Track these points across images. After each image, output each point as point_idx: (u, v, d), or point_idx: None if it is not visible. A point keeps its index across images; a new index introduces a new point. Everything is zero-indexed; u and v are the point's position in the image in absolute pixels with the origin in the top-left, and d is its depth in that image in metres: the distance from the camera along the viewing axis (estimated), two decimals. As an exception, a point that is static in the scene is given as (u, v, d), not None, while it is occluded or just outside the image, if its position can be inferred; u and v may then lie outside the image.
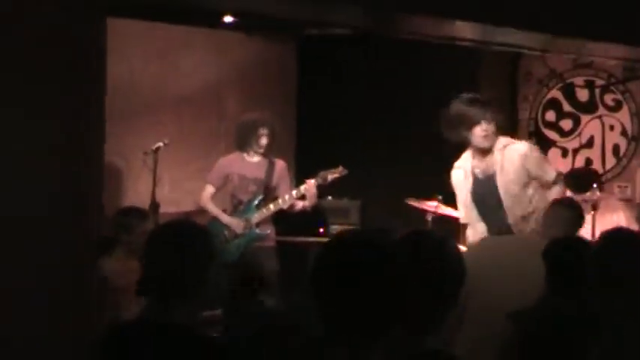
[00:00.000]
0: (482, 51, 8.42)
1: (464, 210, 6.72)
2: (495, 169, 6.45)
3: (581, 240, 4.84)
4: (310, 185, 7.76)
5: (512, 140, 6.64)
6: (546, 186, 6.46)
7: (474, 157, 6.56)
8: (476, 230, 6.55)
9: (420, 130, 9.09)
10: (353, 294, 2.42)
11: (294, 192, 7.78)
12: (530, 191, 6.42)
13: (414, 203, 8.05)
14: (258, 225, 7.78)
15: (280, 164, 7.94)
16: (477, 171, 6.56)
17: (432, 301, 2.72)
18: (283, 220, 8.01)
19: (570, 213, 5.98)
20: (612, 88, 8.86)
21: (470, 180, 6.60)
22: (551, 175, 6.49)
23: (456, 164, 6.73)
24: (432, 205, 7.92)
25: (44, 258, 2.95)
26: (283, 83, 9.50)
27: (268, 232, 7.83)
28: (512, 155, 6.42)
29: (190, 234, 3.29)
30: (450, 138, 6.57)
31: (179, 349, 3.05)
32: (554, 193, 6.43)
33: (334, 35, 9.05)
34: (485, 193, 6.50)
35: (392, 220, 8.23)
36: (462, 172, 6.66)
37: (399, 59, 9.14)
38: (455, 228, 7.38)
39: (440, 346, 2.75)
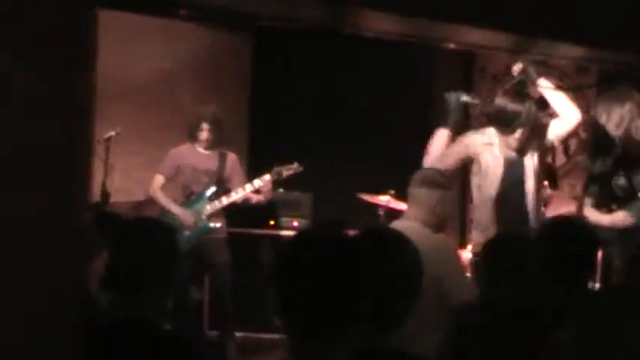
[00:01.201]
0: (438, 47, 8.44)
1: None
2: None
3: (521, 234, 4.87)
4: (266, 181, 7.76)
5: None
6: None
7: (503, 146, 6.23)
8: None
9: (373, 125, 9.12)
10: (316, 290, 2.41)
11: (248, 186, 7.77)
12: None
13: (366, 197, 8.06)
14: (209, 217, 7.76)
15: (232, 157, 7.94)
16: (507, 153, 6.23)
17: (395, 295, 2.73)
18: (234, 212, 7.99)
19: (431, 191, 5.92)
20: (563, 85, 8.91)
21: (500, 161, 6.23)
22: None
23: (482, 140, 6.29)
24: (384, 200, 7.94)
25: (34, 258, 2.92)
26: (237, 75, 9.46)
27: (219, 224, 7.81)
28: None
29: (155, 230, 3.29)
30: (455, 127, 6.33)
31: (143, 344, 3.04)
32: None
33: (289, 28, 9.02)
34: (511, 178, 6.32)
35: (344, 214, 8.24)
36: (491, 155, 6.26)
37: (354, 54, 9.13)
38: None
39: (404, 340, 2.76)
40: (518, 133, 6.11)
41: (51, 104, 2.94)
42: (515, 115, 6.09)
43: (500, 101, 6.22)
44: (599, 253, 4.53)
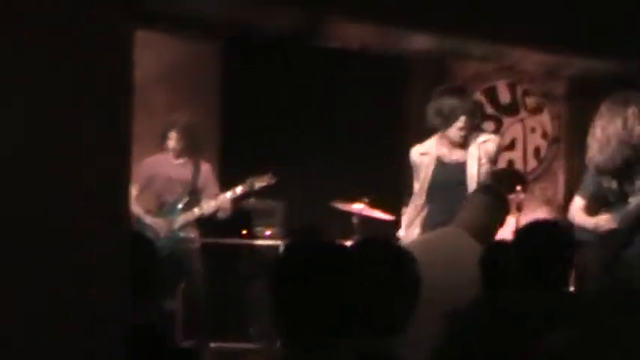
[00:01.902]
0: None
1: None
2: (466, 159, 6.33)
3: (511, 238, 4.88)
4: (225, 200, 7.72)
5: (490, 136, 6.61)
6: None
7: (441, 145, 6.38)
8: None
9: (347, 132, 9.12)
10: (316, 297, 2.42)
11: (220, 197, 7.75)
12: None
13: (340, 205, 8.06)
14: (183, 227, 7.74)
15: (206, 167, 7.92)
16: (445, 159, 6.37)
17: (394, 303, 2.73)
18: (207, 221, 7.97)
19: (491, 198, 5.99)
20: (532, 91, 8.97)
21: (431, 167, 6.41)
22: None
23: (420, 150, 6.49)
24: (359, 208, 7.94)
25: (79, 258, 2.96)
26: (208, 84, 9.43)
27: (193, 234, 7.80)
28: (488, 148, 6.36)
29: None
30: (434, 127, 6.39)
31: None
32: None
33: (261, 37, 9.00)
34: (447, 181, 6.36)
35: (318, 222, 8.23)
36: (427, 158, 6.44)
37: (325, 61, 9.13)
38: (382, 230, 7.40)
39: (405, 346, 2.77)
40: (460, 122, 6.20)
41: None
42: (452, 107, 6.22)
43: (436, 100, 6.32)
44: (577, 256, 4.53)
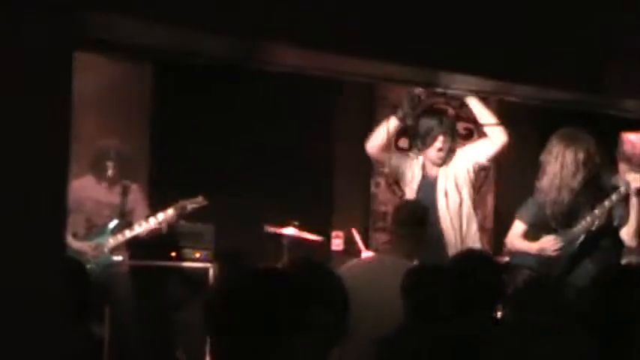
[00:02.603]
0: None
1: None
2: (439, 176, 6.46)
3: (436, 265, 4.92)
4: (156, 222, 7.68)
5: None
6: None
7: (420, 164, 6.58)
8: None
9: (277, 156, 9.11)
10: (248, 322, 2.40)
11: (152, 219, 7.69)
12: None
13: (270, 229, 8.04)
14: (112, 250, 7.67)
15: (135, 189, 7.87)
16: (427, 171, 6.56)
17: (323, 328, 2.71)
18: (136, 244, 7.90)
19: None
20: (463, 115, 9.03)
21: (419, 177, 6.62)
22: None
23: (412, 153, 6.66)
24: (289, 231, 7.93)
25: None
26: (138, 107, 9.36)
27: (121, 257, 7.73)
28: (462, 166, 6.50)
29: None
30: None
31: None
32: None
33: (193, 62, 8.97)
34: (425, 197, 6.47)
35: (247, 245, 8.21)
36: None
37: (258, 86, 9.13)
38: (312, 253, 7.40)
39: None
40: (438, 142, 6.31)
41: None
42: (429, 128, 6.36)
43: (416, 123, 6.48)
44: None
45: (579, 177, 6.12)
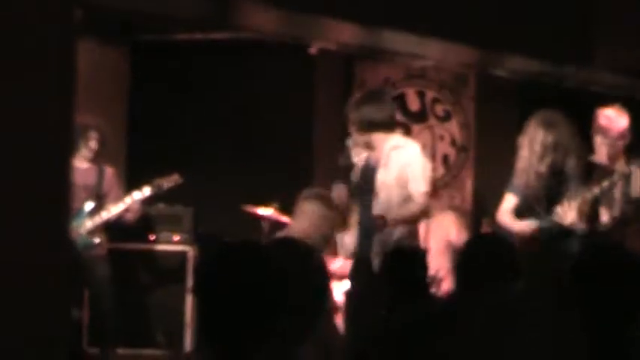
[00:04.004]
0: (318, 59, 8.48)
1: None
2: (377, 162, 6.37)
3: (416, 250, 4.93)
4: (133, 202, 7.64)
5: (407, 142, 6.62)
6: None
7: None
8: None
9: (255, 136, 9.10)
10: (232, 305, 2.38)
11: (128, 199, 7.66)
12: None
13: (249, 210, 8.02)
14: (89, 233, 7.62)
15: (110, 171, 7.83)
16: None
17: (303, 310, 2.69)
18: (115, 226, 7.86)
19: (317, 207, 6.05)
20: (441, 98, 9.04)
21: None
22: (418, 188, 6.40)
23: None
24: (268, 213, 7.90)
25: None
26: (115, 88, 9.31)
27: (99, 240, 7.69)
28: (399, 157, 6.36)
29: None
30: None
31: None
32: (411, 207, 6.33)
33: (169, 40, 8.94)
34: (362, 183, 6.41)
35: (226, 227, 8.19)
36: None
37: (234, 65, 9.11)
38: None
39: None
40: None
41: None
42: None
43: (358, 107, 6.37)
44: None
45: (546, 161, 6.14)
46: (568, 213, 6.12)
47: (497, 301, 3.76)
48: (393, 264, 4.63)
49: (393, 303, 4.34)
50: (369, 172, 6.37)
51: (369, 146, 6.37)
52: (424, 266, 4.68)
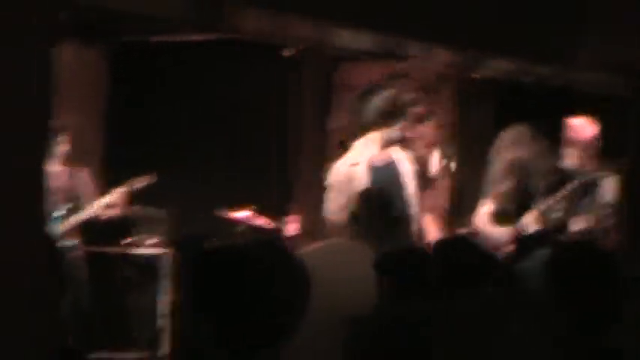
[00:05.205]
0: (298, 60, 8.45)
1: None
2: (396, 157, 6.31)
3: (415, 248, 4.93)
4: (118, 195, 7.61)
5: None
6: None
7: (370, 147, 6.35)
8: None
9: (234, 139, 9.07)
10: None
11: (103, 200, 7.62)
12: None
13: (225, 213, 7.99)
14: (64, 235, 7.58)
15: (84, 172, 7.80)
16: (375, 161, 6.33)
17: (283, 312, 2.66)
18: (91, 229, 7.82)
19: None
20: (422, 98, 9.01)
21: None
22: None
23: (350, 160, 6.41)
24: (245, 216, 7.88)
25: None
26: (93, 89, 9.28)
27: (74, 242, 7.65)
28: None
29: None
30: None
31: None
32: None
33: (149, 42, 8.90)
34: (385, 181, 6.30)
35: (203, 229, 8.16)
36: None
37: (215, 67, 9.08)
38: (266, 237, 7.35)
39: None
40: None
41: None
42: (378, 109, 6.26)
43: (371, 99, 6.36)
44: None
45: (511, 178, 6.21)
46: (530, 222, 6.17)
47: (467, 305, 3.77)
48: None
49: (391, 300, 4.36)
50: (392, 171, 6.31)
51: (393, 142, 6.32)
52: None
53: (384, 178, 6.24)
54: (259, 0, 4.57)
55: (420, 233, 6.37)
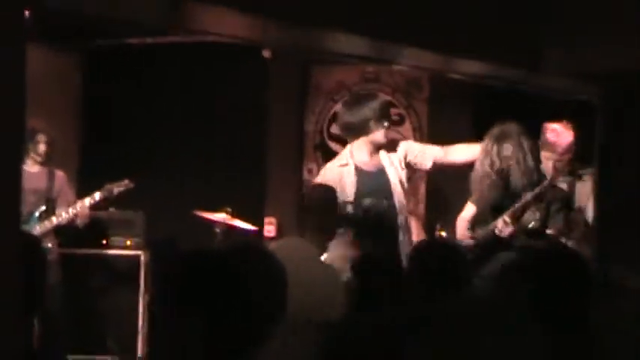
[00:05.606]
0: (273, 62, 8.46)
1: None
2: (384, 164, 6.30)
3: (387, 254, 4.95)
4: (83, 206, 7.57)
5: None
6: None
7: (360, 152, 6.33)
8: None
9: (209, 141, 9.05)
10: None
11: (79, 204, 7.60)
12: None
13: (202, 215, 7.98)
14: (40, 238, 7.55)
15: (60, 175, 7.77)
16: (365, 166, 6.32)
17: (262, 314, 2.67)
18: (66, 231, 7.80)
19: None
20: (395, 102, 9.04)
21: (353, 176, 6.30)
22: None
23: (337, 163, 6.41)
24: (221, 218, 7.87)
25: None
26: (67, 94, 9.26)
27: (50, 245, 7.62)
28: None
29: None
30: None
31: None
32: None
33: (123, 46, 8.88)
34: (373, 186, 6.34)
35: (179, 232, 8.15)
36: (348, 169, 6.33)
37: (187, 69, 9.07)
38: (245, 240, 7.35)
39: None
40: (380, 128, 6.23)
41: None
42: (366, 116, 6.22)
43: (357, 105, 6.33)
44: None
45: (486, 181, 6.22)
46: (503, 225, 6.18)
47: (445, 307, 3.77)
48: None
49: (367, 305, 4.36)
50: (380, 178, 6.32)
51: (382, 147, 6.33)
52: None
53: (374, 184, 6.27)
54: (234, 2, 4.57)
55: (410, 239, 6.40)
